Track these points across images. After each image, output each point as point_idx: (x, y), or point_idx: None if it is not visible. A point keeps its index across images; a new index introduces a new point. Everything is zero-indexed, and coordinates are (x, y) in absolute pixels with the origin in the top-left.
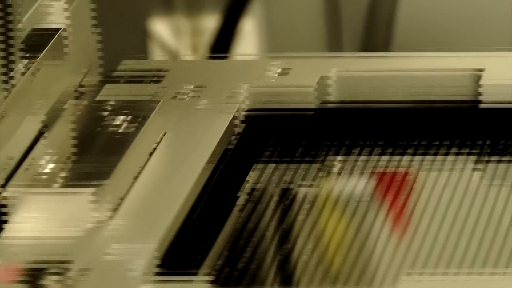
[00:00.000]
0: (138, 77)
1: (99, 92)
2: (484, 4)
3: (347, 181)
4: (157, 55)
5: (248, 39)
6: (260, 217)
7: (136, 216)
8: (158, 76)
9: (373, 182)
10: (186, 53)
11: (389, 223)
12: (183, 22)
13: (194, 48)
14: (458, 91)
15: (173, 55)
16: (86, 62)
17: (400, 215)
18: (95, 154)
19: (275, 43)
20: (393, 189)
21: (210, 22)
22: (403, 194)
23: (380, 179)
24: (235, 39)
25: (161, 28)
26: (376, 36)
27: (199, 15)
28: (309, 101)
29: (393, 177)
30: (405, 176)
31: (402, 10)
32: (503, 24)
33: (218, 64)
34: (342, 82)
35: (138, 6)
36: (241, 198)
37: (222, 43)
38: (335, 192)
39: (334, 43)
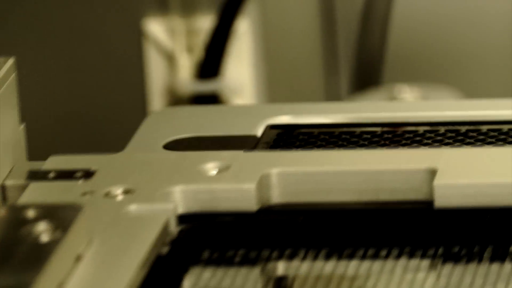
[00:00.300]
0: (65, 176)
1: (23, 191)
2: (480, 9)
3: None
4: (151, 55)
5: (243, 39)
6: None
7: None
8: (87, 174)
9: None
10: (181, 54)
11: None
12: (178, 22)
13: (189, 48)
14: (410, 193)
15: (168, 56)
16: (11, 158)
17: None
18: (13, 266)
19: (270, 43)
20: None
21: (205, 22)
22: None
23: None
24: (230, 39)
25: (156, 28)
26: (372, 36)
27: (194, 15)
28: (248, 204)
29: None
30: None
31: (398, 11)
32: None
33: (152, 160)
34: (283, 182)
35: (133, 6)
36: None
37: (217, 43)
38: None
39: (329, 43)
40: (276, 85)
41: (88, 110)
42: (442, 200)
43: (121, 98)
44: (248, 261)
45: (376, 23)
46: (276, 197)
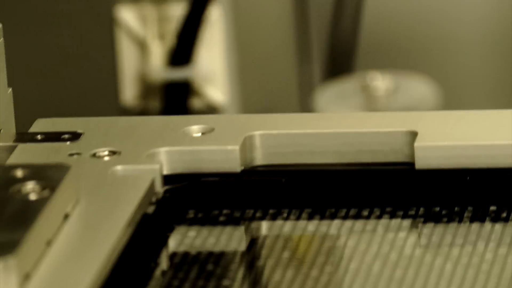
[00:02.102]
0: (52, 138)
1: (11, 153)
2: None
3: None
4: (123, 43)
5: (215, 26)
6: (181, 287)
7: None
8: (73, 136)
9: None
10: (153, 41)
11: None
12: (150, 9)
13: (161, 36)
14: (391, 155)
15: (140, 43)
16: None
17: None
18: (3, 223)
19: (242, 30)
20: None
21: (177, 10)
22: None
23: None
24: (202, 26)
25: (128, 15)
26: (344, 24)
27: (166, 3)
28: (232, 165)
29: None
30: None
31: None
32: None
33: (137, 123)
34: (267, 144)
35: None
36: (161, 266)
37: (189, 31)
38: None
39: (302, 31)
40: (248, 73)
41: (60, 97)
42: (422, 161)
43: (93, 85)
44: (232, 221)
45: (349, 11)
46: (259, 158)
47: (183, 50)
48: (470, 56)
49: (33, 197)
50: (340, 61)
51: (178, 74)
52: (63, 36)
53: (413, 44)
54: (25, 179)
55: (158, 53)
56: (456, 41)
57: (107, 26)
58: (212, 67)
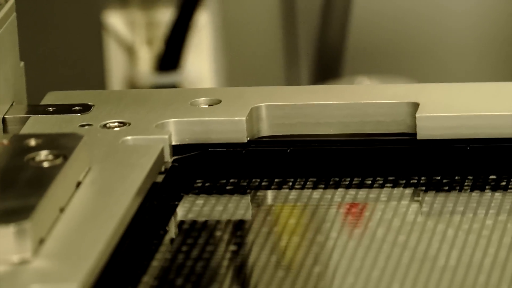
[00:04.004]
0: (63, 110)
1: (23, 124)
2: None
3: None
4: (112, 48)
5: (203, 32)
6: (189, 253)
7: (58, 256)
8: (84, 108)
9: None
10: (141, 46)
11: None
12: (138, 14)
13: (149, 41)
14: (393, 125)
15: (128, 48)
16: (11, 94)
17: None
18: (18, 190)
19: (230, 36)
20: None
21: (165, 15)
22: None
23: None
24: (190, 32)
25: (116, 20)
26: (332, 29)
27: (154, 8)
28: (239, 135)
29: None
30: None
31: (358, 3)
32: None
33: (146, 95)
34: (272, 115)
35: None
36: (170, 233)
37: (177, 36)
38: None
39: (290, 36)
40: (236, 78)
41: None
42: (424, 131)
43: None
44: (239, 190)
45: (336, 15)
46: (265, 129)
47: (171, 55)
48: (457, 61)
49: (46, 165)
50: (328, 65)
51: (166, 79)
52: (51, 41)
53: (400, 49)
54: (39, 148)
55: (146, 59)
56: (443, 46)
57: (95, 31)
58: (200, 73)
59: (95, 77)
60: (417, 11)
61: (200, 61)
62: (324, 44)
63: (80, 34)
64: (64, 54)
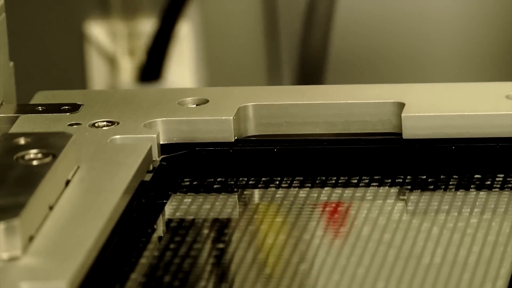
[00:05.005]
0: (52, 109)
1: (13, 124)
2: (423, 10)
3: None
4: (93, 58)
5: (185, 42)
6: (177, 251)
7: (47, 254)
8: (73, 108)
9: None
10: (122, 57)
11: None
12: (119, 25)
13: (131, 51)
14: (379, 125)
15: (110, 58)
16: (0, 94)
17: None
18: (7, 188)
19: (212, 46)
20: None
21: (147, 26)
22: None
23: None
24: (171, 42)
25: (97, 31)
26: (314, 38)
27: (135, 18)
28: (226, 135)
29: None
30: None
31: (340, 12)
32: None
33: (134, 95)
34: (259, 115)
35: (74, 8)
36: (158, 231)
37: (159, 47)
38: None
39: (272, 45)
40: None
41: None
42: (409, 131)
43: None
44: (226, 189)
45: (319, 24)
46: (253, 129)
47: (152, 66)
48: (438, 71)
49: (36, 163)
50: (310, 74)
51: None
52: (33, 51)
53: (382, 58)
54: (28, 146)
55: (128, 69)
56: (425, 56)
57: (77, 42)
58: (182, 83)
59: (77, 87)
60: (399, 20)
61: (182, 71)
62: (306, 54)
63: (61, 44)
64: (46, 64)
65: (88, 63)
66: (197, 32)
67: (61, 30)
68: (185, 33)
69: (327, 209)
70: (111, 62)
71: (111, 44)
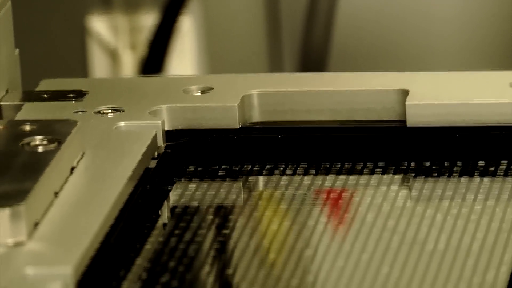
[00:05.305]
0: (58, 96)
1: (18, 111)
2: (424, 3)
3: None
4: (95, 52)
5: (187, 36)
6: (182, 237)
7: (52, 239)
8: (78, 95)
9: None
10: (124, 51)
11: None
12: (121, 19)
13: (132, 46)
14: (383, 113)
15: (112, 53)
16: (6, 80)
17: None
18: (13, 174)
19: (213, 40)
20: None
21: (149, 20)
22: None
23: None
24: (173, 36)
25: (99, 25)
26: (316, 32)
27: (137, 13)
28: (231, 122)
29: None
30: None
31: (342, 5)
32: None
33: (139, 83)
34: (264, 102)
35: (76, 3)
36: (163, 217)
37: (161, 41)
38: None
39: (274, 40)
40: None
41: None
42: (413, 119)
43: None
44: (230, 175)
45: (321, 18)
46: (257, 116)
47: (154, 60)
48: (442, 61)
49: (41, 150)
50: (312, 68)
51: None
52: (35, 46)
53: (384, 53)
54: (33, 133)
55: (129, 63)
56: (427, 50)
57: (79, 36)
58: None
59: None
60: (401, 15)
61: (184, 65)
62: (308, 48)
63: (64, 38)
64: (48, 58)
65: (90, 57)
66: (198, 26)
67: (63, 24)
68: (187, 27)
69: (332, 195)
70: (113, 56)
71: (113, 38)
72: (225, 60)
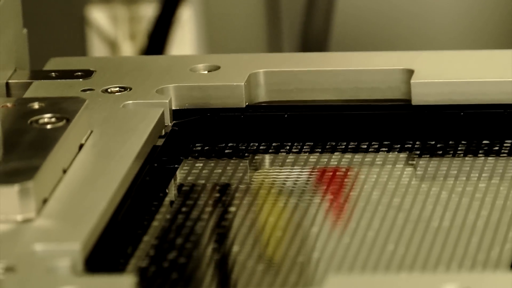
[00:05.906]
0: (66, 75)
1: (26, 90)
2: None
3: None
4: (94, 43)
5: (186, 27)
6: (189, 214)
7: (61, 216)
8: (86, 74)
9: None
10: (124, 41)
11: (325, 216)
12: (121, 9)
13: (132, 36)
14: (388, 92)
15: (111, 43)
16: (14, 59)
17: (338, 210)
18: (21, 151)
19: (213, 31)
20: (329, 184)
21: (148, 10)
22: (336, 190)
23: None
24: (173, 27)
25: (99, 15)
26: (316, 23)
27: (137, 3)
28: (237, 101)
29: (329, 172)
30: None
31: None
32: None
33: (146, 62)
34: (270, 81)
35: None
36: (170, 195)
37: (160, 31)
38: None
39: (273, 30)
40: None
41: None
42: (418, 97)
43: None
44: (237, 154)
45: (321, 9)
46: (263, 95)
47: (154, 50)
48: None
49: (49, 127)
50: None
51: None
52: (34, 36)
53: (384, 45)
54: (42, 111)
55: (129, 53)
56: (428, 43)
57: (78, 26)
58: None
59: None
60: (401, 5)
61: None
62: (308, 38)
63: (63, 28)
64: (47, 49)
65: (89, 48)
66: (198, 16)
67: (63, 14)
68: (187, 17)
69: (337, 173)
70: (112, 46)
71: (112, 29)
72: (225, 49)
